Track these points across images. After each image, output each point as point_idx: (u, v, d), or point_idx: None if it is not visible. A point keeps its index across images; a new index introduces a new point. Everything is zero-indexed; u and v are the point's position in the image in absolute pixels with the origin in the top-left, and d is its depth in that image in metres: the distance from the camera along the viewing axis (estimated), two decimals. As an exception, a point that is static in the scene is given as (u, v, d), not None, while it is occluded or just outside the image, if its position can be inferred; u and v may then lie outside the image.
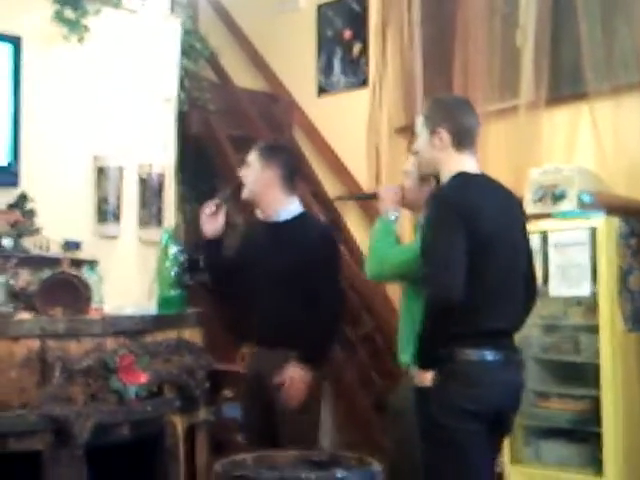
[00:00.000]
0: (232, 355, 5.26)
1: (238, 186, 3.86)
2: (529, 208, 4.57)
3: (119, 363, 3.36)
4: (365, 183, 5.81)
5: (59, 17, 4.23)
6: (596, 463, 4.14)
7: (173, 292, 3.89)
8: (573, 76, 4.92)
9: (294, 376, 3.62)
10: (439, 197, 2.99)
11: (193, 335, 3.87)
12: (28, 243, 3.91)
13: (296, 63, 6.31)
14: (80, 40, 4.28)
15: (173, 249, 3.91)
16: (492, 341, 2.92)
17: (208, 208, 3.80)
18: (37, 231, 3.96)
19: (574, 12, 4.87)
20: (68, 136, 4.26)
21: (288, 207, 3.80)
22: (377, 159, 5.75)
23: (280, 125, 6.26)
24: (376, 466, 3.26)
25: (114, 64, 4.45)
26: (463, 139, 3.05)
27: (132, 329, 3.53)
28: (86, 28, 4.29)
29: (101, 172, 4.36)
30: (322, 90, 6.22)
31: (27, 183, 4.03)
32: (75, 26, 4.28)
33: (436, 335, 2.88)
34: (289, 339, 3.64)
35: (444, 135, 3.04)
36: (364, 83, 5.94)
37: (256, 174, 3.77)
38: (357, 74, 6.02)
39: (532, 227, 4.39)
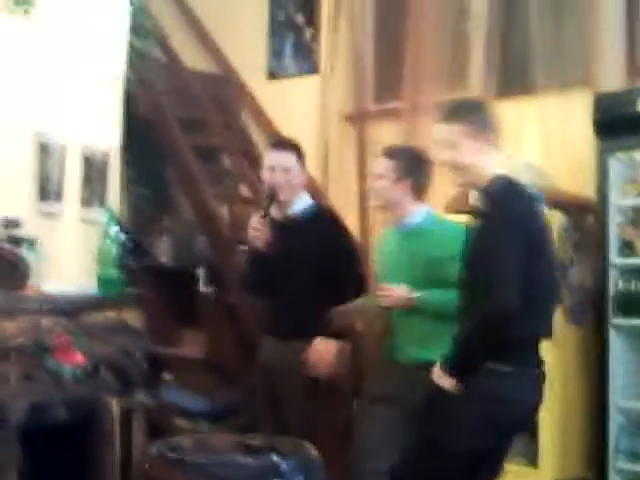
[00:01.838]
0: (174, 339, 5.24)
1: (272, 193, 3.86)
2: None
3: (55, 343, 3.30)
4: (313, 170, 5.78)
5: (5, -11, 4.13)
6: (531, 454, 4.18)
7: (113, 273, 3.84)
8: (522, 70, 4.95)
9: (320, 348, 3.74)
10: (500, 201, 2.91)
11: (133, 317, 3.83)
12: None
13: (247, 46, 6.24)
14: (26, 12, 4.19)
15: (114, 229, 3.87)
16: (526, 352, 2.93)
17: (256, 223, 3.79)
18: (-24, 208, 3.88)
19: (525, 6, 4.91)
20: (11, 111, 4.17)
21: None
22: (325, 146, 5.73)
23: (229, 108, 6.21)
24: (313, 452, 3.27)
25: (60, 39, 4.37)
26: (487, 136, 3.05)
27: (70, 308, 3.47)
28: (31, 3, 4.20)
29: (44, 149, 4.28)
30: (272, 74, 6.17)
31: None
32: (21, 1, 4.18)
33: (483, 347, 2.86)
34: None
35: (467, 134, 3.00)
36: (315, 69, 5.91)
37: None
38: (308, 60, 5.98)
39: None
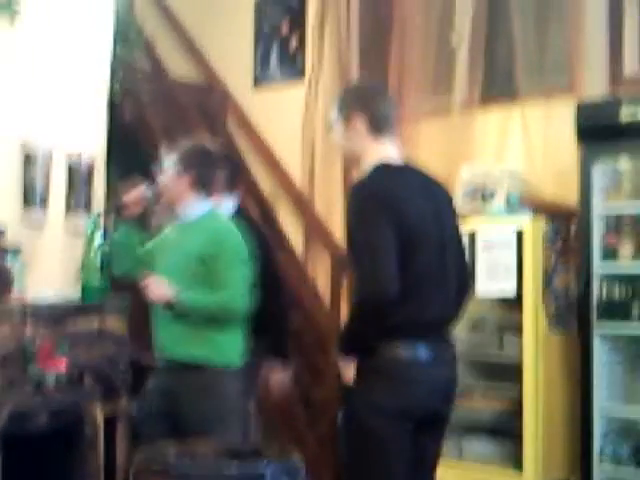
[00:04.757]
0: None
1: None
2: (459, 208, 4.62)
3: (38, 350, 3.30)
4: (299, 178, 5.80)
5: (-11, -1, 4.13)
6: (516, 460, 4.20)
7: (97, 281, 3.83)
8: (506, 78, 4.98)
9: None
10: (361, 190, 2.88)
11: (116, 325, 3.82)
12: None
13: (232, 55, 6.24)
14: (11, 23, 4.18)
15: (99, 237, 3.86)
16: (422, 335, 2.86)
17: None
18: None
19: (508, 14, 4.95)
20: (-4, 120, 4.16)
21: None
22: (312, 154, 5.74)
23: (214, 117, 6.21)
24: (297, 458, 3.25)
25: (45, 48, 4.37)
26: (380, 125, 2.96)
27: (53, 316, 3.46)
28: (17, 11, 4.20)
29: (28, 158, 4.27)
30: (258, 83, 6.17)
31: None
32: (6, 9, 4.18)
33: (368, 331, 2.82)
34: None
35: (360, 121, 2.95)
36: (300, 77, 5.91)
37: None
38: (294, 68, 5.98)
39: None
